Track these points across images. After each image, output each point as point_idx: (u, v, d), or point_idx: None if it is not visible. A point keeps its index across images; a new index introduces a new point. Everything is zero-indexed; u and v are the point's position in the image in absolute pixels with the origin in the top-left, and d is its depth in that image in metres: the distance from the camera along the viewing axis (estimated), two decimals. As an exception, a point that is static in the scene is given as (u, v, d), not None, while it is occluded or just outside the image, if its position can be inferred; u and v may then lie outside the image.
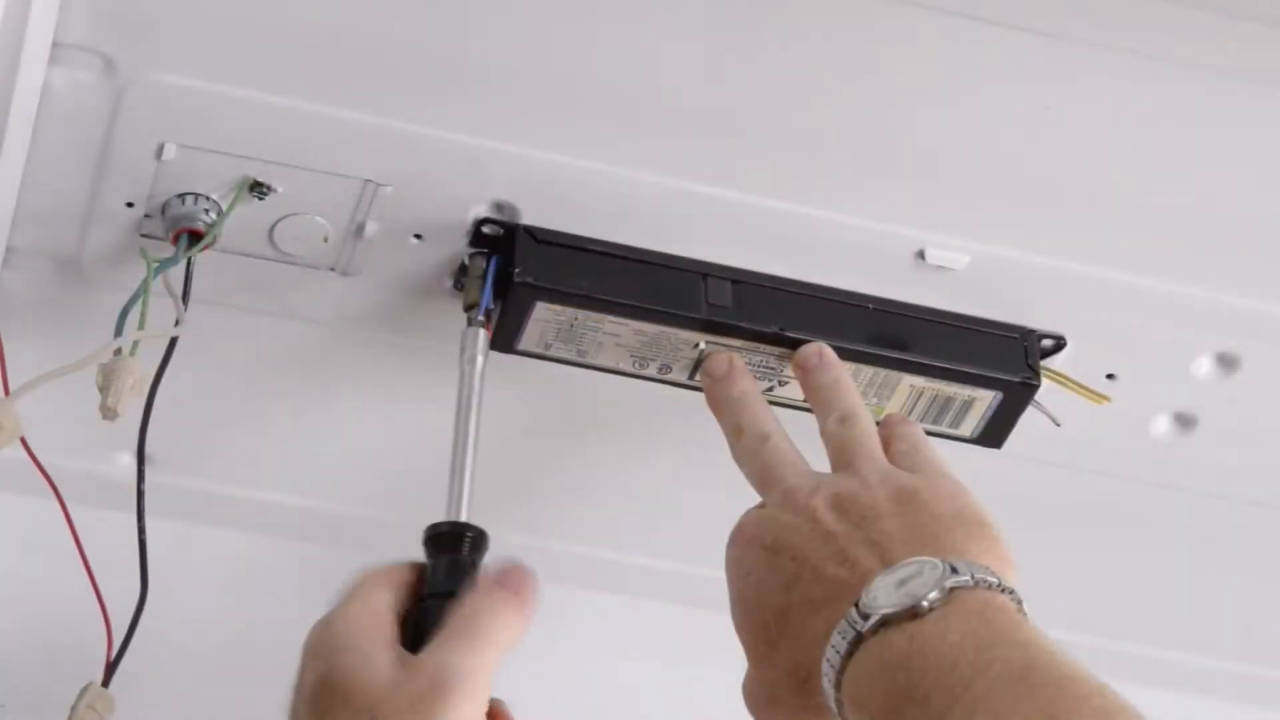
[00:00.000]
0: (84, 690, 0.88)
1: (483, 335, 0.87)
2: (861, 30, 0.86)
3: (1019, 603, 0.73)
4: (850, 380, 0.89)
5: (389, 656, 0.75)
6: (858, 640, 0.72)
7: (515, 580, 0.78)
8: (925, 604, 0.71)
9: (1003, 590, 0.73)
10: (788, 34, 0.86)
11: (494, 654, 0.75)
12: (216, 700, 1.04)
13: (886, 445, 0.86)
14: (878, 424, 0.87)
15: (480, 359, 0.86)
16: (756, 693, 0.80)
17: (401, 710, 0.72)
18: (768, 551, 0.79)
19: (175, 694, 1.03)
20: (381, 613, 0.77)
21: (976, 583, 0.72)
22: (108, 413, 0.83)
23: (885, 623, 0.71)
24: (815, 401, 0.88)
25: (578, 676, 1.06)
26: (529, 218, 0.90)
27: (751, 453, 0.85)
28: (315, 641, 0.76)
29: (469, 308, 0.89)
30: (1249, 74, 0.87)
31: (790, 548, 0.78)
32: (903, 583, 0.72)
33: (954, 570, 0.72)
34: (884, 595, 0.72)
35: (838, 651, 0.72)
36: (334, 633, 0.76)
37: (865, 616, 0.72)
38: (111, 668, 0.89)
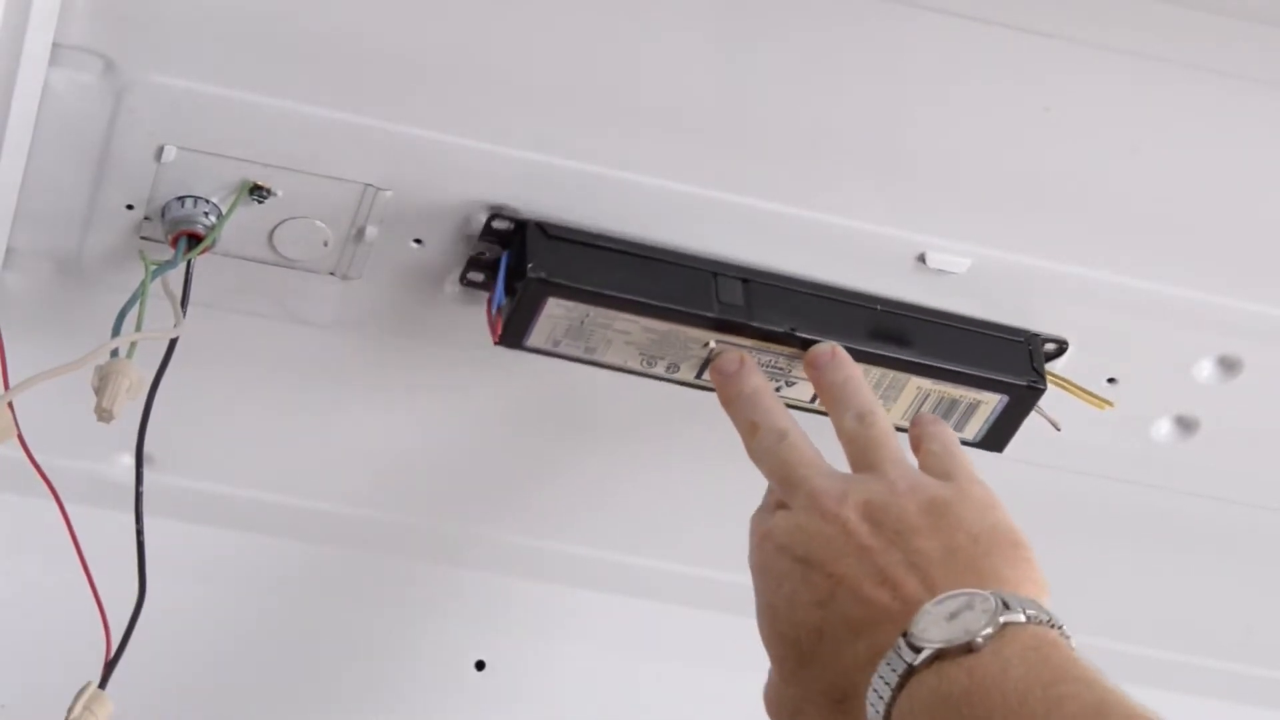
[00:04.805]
0: (81, 691, 0.88)
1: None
2: (862, 32, 0.86)
3: (1067, 638, 0.73)
4: (863, 379, 0.88)
5: None
6: (909, 672, 0.71)
7: None
8: (980, 639, 0.71)
9: (1052, 625, 0.73)
10: (788, 36, 0.86)
11: None
12: (214, 701, 1.04)
13: (917, 445, 0.86)
14: (910, 424, 0.87)
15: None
16: (781, 704, 0.79)
17: None
18: (799, 563, 0.78)
19: (173, 695, 1.02)
20: None
21: (1029, 619, 0.72)
22: (103, 414, 0.82)
23: (938, 656, 0.71)
24: (828, 399, 0.88)
25: (579, 676, 1.06)
26: (529, 222, 0.90)
27: (769, 451, 0.84)
28: None
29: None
30: (1249, 74, 0.86)
31: (825, 563, 0.78)
32: (954, 615, 0.72)
33: (1006, 605, 0.72)
34: (935, 629, 0.72)
35: (887, 683, 0.72)
36: None
37: (916, 649, 0.71)
38: (109, 669, 0.89)
